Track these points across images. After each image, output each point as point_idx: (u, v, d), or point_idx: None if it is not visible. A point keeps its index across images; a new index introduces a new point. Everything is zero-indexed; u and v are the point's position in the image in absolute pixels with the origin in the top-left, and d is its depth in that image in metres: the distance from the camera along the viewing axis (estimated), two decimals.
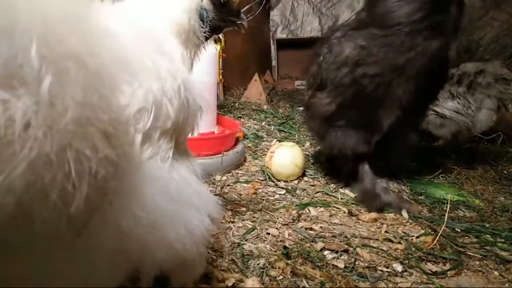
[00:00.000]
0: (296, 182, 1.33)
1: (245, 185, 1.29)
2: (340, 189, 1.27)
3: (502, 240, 0.96)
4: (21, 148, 0.30)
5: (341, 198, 1.19)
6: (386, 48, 1.01)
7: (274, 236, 0.95)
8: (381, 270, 0.82)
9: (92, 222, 0.38)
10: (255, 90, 2.69)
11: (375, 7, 1.08)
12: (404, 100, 1.08)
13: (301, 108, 2.47)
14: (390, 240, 0.94)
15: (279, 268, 0.80)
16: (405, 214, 1.08)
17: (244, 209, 1.09)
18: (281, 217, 1.05)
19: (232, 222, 1.01)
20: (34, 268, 0.38)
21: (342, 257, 0.86)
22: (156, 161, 0.54)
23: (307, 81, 1.32)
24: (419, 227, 1.02)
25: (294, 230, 0.98)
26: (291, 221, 1.03)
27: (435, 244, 0.91)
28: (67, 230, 0.36)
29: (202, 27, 0.68)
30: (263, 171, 1.39)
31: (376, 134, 1.16)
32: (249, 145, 1.72)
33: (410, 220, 1.05)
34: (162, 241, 0.51)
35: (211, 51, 1.63)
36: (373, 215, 1.07)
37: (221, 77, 2.13)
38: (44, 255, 0.38)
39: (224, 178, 1.33)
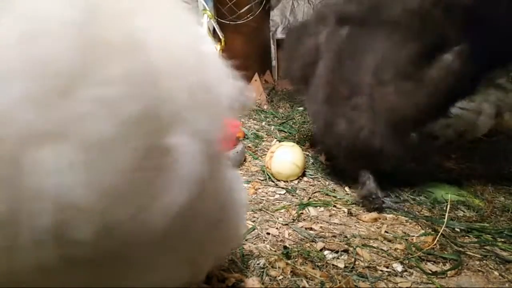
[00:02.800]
0: (296, 182, 1.33)
1: (245, 185, 1.29)
2: (340, 189, 1.27)
3: (502, 240, 0.96)
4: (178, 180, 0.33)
5: (341, 198, 1.19)
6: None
7: (274, 236, 0.95)
8: (381, 270, 0.82)
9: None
10: (255, 90, 2.69)
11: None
12: None
13: (301, 108, 2.47)
14: (390, 240, 0.95)
15: (279, 268, 0.80)
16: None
17: (247, 205, 1.09)
18: (281, 217, 1.05)
19: None
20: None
21: (342, 257, 0.87)
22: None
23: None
24: (419, 227, 1.02)
25: (294, 230, 0.98)
26: (291, 221, 1.03)
27: (435, 244, 0.92)
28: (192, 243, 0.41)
29: None
30: (263, 171, 1.39)
31: None
32: (249, 145, 1.72)
33: (410, 220, 1.05)
34: (231, 241, 0.56)
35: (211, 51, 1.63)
36: (373, 215, 1.07)
37: None
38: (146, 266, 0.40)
39: None
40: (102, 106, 0.29)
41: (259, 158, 1.56)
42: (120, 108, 0.29)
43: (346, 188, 1.27)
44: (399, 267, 0.83)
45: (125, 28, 0.31)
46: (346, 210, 1.11)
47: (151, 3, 0.35)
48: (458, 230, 1.00)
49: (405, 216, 1.08)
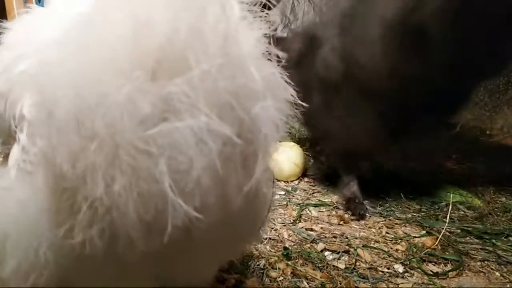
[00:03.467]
0: (296, 182, 1.32)
1: None
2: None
3: (504, 240, 0.95)
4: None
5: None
6: None
7: (274, 237, 0.94)
8: (382, 271, 0.82)
9: None
10: None
11: None
12: None
13: None
14: (391, 241, 0.94)
15: (279, 269, 0.80)
16: None
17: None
18: (281, 218, 1.04)
19: None
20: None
21: (343, 258, 0.86)
22: None
23: None
24: (420, 228, 1.01)
25: (294, 230, 0.97)
26: (291, 221, 1.02)
27: (436, 245, 0.91)
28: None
29: None
30: None
31: None
32: None
33: (411, 221, 1.05)
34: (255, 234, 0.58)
35: None
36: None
37: None
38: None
39: None
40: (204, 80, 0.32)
41: None
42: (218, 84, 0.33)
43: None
44: (400, 268, 0.83)
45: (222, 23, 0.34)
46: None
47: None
48: (459, 231, 0.99)
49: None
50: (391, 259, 0.86)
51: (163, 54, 0.32)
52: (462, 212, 1.11)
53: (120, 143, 0.30)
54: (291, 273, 0.79)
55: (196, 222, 0.32)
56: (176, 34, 0.32)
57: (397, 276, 0.80)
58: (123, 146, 0.30)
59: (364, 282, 0.77)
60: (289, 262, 0.82)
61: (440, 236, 0.93)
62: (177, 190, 0.31)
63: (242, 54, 0.36)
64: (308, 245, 0.90)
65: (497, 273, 0.83)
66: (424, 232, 0.99)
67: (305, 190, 1.26)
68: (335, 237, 0.95)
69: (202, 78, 0.32)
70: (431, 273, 0.81)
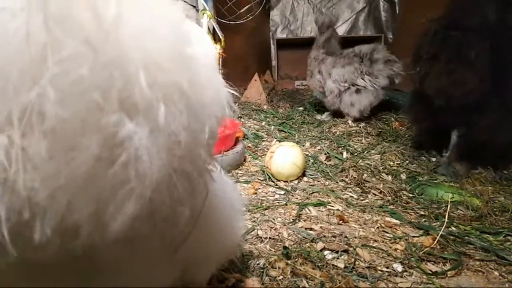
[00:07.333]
0: (296, 182, 1.33)
1: (245, 185, 1.29)
2: (340, 189, 1.27)
3: (502, 240, 0.96)
4: (135, 176, 0.31)
5: (341, 198, 1.19)
6: None
7: (274, 236, 0.95)
8: (381, 270, 0.82)
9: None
10: (255, 90, 2.69)
11: None
12: None
13: (301, 108, 2.47)
14: (390, 240, 0.94)
15: (279, 268, 0.80)
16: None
17: (244, 209, 1.09)
18: (281, 217, 1.05)
19: None
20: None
21: (342, 257, 0.86)
22: (217, 169, 0.57)
23: None
24: (419, 228, 1.01)
25: (294, 230, 0.98)
26: (291, 221, 1.03)
27: (435, 244, 0.91)
28: (165, 248, 0.41)
29: None
30: (263, 171, 1.39)
31: None
32: (249, 145, 1.72)
33: (410, 221, 1.05)
34: (229, 244, 0.58)
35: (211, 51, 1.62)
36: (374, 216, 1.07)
37: None
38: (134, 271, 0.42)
39: None
40: (58, 90, 0.28)
41: (259, 158, 1.56)
42: (76, 91, 0.28)
43: (348, 190, 1.27)
44: (399, 267, 0.83)
45: (93, 7, 0.29)
46: (341, 209, 1.11)
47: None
48: (458, 230, 1.00)
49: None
50: (390, 259, 0.86)
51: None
52: (461, 212, 1.12)
53: None
54: (291, 272, 0.79)
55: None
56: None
57: (396, 275, 0.81)
58: None
59: (363, 281, 0.78)
60: (289, 261, 0.82)
61: (439, 236, 0.93)
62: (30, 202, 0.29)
63: (122, 58, 0.30)
64: (308, 245, 0.91)
65: (496, 273, 0.83)
66: (423, 231, 0.99)
67: (305, 190, 1.26)
68: (334, 236, 0.95)
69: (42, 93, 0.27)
70: (430, 272, 0.82)
